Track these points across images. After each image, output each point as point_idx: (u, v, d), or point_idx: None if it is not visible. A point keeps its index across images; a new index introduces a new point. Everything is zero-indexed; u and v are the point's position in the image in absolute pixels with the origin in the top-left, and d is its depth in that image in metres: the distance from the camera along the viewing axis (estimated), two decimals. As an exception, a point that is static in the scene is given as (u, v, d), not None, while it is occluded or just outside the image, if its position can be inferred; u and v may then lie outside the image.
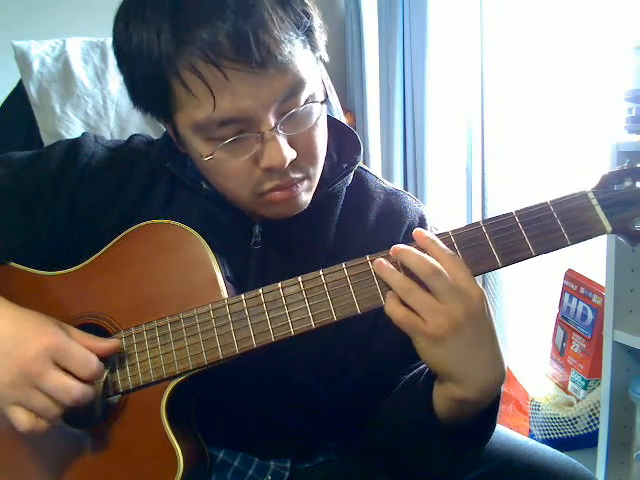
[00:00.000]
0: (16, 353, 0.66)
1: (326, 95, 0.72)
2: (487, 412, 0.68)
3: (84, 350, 0.68)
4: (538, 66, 1.73)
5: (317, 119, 0.71)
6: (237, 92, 0.65)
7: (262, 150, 0.68)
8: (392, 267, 0.64)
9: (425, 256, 0.63)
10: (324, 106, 0.72)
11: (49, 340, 0.67)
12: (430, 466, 0.72)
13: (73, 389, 0.66)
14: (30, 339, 0.67)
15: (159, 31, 0.65)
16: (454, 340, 0.61)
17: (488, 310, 0.64)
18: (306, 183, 0.73)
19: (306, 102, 0.69)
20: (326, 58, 0.73)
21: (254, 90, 0.65)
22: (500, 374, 0.65)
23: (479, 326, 0.63)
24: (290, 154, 0.68)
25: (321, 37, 0.71)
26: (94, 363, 0.68)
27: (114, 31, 0.71)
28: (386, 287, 0.65)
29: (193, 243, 0.73)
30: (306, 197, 0.75)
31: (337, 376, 0.79)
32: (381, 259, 0.65)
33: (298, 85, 0.68)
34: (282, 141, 0.68)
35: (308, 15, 0.68)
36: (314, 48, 0.70)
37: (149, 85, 0.68)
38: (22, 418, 0.66)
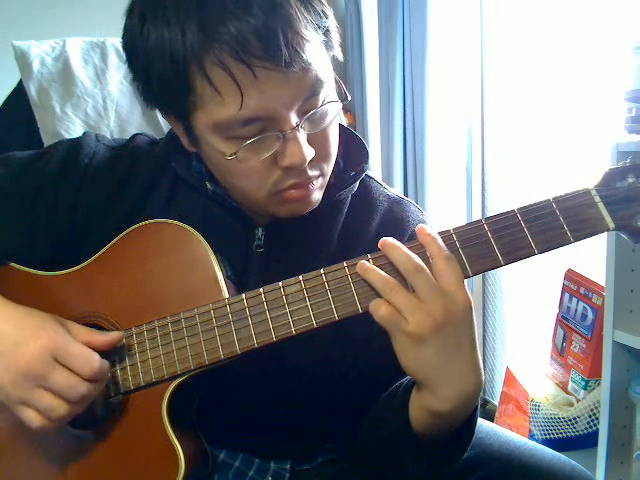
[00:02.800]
0: (16, 353, 0.66)
1: (345, 95, 0.73)
2: (464, 426, 0.68)
3: (85, 349, 0.68)
4: (538, 66, 1.73)
5: (333, 118, 0.71)
6: (264, 91, 0.65)
7: (283, 149, 0.68)
8: (374, 267, 0.64)
9: (410, 253, 0.63)
10: (339, 105, 0.72)
11: (49, 340, 0.67)
12: (407, 475, 0.72)
13: (80, 386, 0.66)
14: (30, 339, 0.67)
15: (184, 28, 0.64)
16: (433, 340, 0.61)
17: (472, 320, 0.64)
18: (320, 180, 0.74)
19: (323, 102, 0.69)
20: (340, 57, 0.73)
21: (280, 89, 0.65)
22: (477, 385, 0.64)
23: (460, 331, 0.62)
24: (310, 153, 0.69)
25: (336, 37, 0.71)
26: (96, 361, 0.68)
27: (126, 29, 0.70)
28: None
29: (194, 243, 0.73)
30: (318, 195, 0.75)
31: (336, 378, 0.79)
32: (364, 261, 0.65)
33: (318, 84, 0.68)
34: (303, 140, 0.68)
35: (327, 15, 0.68)
36: (330, 47, 0.71)
37: (168, 84, 0.67)
38: (32, 416, 0.66)
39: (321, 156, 0.72)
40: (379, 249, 0.65)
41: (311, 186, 0.73)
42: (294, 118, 0.67)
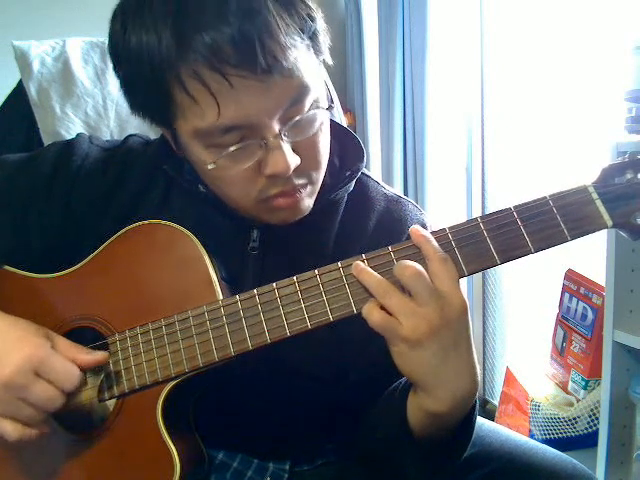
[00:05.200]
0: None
1: (331, 101, 0.71)
2: (463, 425, 0.68)
3: (66, 362, 0.68)
4: (538, 66, 1.73)
5: (321, 125, 0.70)
6: (242, 100, 0.63)
7: (266, 157, 0.67)
8: (369, 269, 0.63)
9: (405, 261, 0.62)
10: (328, 112, 0.71)
11: (32, 352, 0.66)
12: (406, 476, 0.71)
13: (57, 400, 0.67)
14: (13, 351, 0.66)
15: (160, 35, 0.62)
16: (429, 343, 0.61)
17: (467, 321, 0.63)
18: (309, 188, 0.73)
19: (310, 108, 0.68)
20: (329, 61, 0.72)
21: (259, 97, 0.63)
22: (473, 385, 0.64)
23: (456, 333, 0.62)
24: (294, 161, 0.67)
25: (325, 40, 0.69)
26: (76, 376, 0.68)
27: (110, 33, 0.69)
28: None
29: (188, 243, 0.72)
30: (309, 202, 0.74)
31: (335, 379, 0.78)
32: (358, 262, 0.64)
33: (303, 91, 0.66)
34: (286, 148, 0.66)
35: (312, 19, 0.66)
36: (318, 52, 0.69)
37: (149, 91, 0.67)
38: (8, 429, 0.66)
39: (309, 164, 0.70)
40: (376, 248, 0.65)
41: (298, 194, 0.71)
42: (276, 126, 0.66)
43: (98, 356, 0.71)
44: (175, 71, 0.63)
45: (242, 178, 0.69)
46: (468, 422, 0.69)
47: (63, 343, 0.70)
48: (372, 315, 0.62)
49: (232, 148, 0.66)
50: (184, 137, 0.69)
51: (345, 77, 2.61)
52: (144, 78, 0.66)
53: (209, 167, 0.68)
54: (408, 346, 0.61)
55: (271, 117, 0.65)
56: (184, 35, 0.62)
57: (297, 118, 0.67)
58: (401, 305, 0.61)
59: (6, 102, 1.45)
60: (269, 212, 0.73)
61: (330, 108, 0.71)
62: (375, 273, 0.63)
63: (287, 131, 0.67)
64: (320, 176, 0.74)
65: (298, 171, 0.69)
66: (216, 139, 0.66)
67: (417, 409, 0.67)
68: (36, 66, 1.46)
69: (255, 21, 0.61)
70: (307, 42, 0.66)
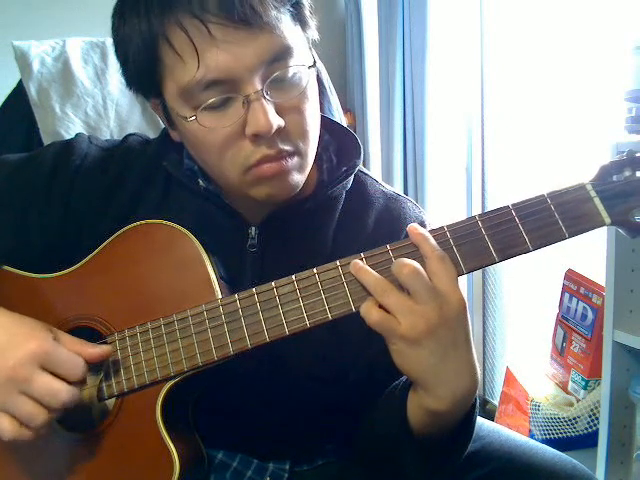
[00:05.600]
0: (3, 359, 0.66)
1: (314, 62, 0.72)
2: (463, 424, 0.68)
3: (71, 354, 0.68)
4: (538, 66, 1.73)
5: (306, 87, 0.70)
6: (222, 50, 0.65)
7: (248, 115, 0.67)
8: (367, 268, 0.63)
9: (403, 259, 0.62)
10: (313, 73, 0.71)
11: (36, 345, 0.66)
12: (406, 475, 0.71)
13: (61, 392, 0.66)
14: (18, 345, 0.66)
15: (148, 9, 0.67)
16: (427, 342, 0.61)
17: (466, 319, 0.63)
18: (296, 160, 0.72)
19: (295, 73, 0.69)
20: (316, 37, 0.73)
21: (238, 49, 0.65)
22: (472, 384, 0.64)
23: (454, 332, 0.62)
24: (276, 120, 0.67)
25: (311, 16, 0.72)
26: (81, 367, 0.67)
27: (112, 27, 0.73)
28: None
29: (186, 243, 0.72)
30: (297, 177, 0.73)
31: (335, 379, 0.78)
32: (356, 260, 0.64)
33: (285, 51, 0.68)
34: (268, 106, 0.67)
35: None
36: (304, 25, 0.71)
37: (140, 59, 0.70)
38: (5, 426, 0.66)
39: (294, 130, 0.70)
40: (375, 246, 0.65)
41: (284, 162, 0.70)
42: (257, 82, 0.67)
43: (103, 349, 0.70)
44: (162, 28, 0.66)
45: (226, 141, 0.69)
46: (468, 421, 0.69)
47: (67, 338, 0.70)
48: (370, 314, 0.62)
49: (212, 99, 0.67)
50: (171, 103, 0.71)
51: (345, 77, 2.61)
52: (135, 52, 0.69)
53: (189, 119, 0.68)
54: (406, 344, 0.61)
55: (251, 72, 0.66)
56: None
57: (277, 74, 0.67)
58: (399, 303, 0.61)
59: (6, 102, 1.45)
60: (255, 184, 0.72)
61: (313, 66, 0.71)
62: (373, 271, 0.63)
63: (269, 90, 0.67)
64: (308, 148, 0.73)
65: (283, 135, 0.69)
66: (198, 96, 0.67)
67: (417, 408, 0.67)
68: (36, 66, 1.46)
69: None
70: (289, 9, 0.68)
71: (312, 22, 0.72)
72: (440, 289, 0.61)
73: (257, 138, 0.68)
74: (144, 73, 0.71)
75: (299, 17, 0.70)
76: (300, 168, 0.73)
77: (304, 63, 0.70)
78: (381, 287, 0.62)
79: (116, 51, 0.74)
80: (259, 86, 0.67)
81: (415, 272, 0.61)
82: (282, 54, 0.67)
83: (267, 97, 0.67)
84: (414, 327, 0.60)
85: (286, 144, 0.70)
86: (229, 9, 0.64)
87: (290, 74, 0.69)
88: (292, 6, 0.68)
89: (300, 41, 0.70)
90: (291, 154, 0.71)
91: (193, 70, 0.66)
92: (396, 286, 0.62)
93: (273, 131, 0.67)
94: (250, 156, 0.69)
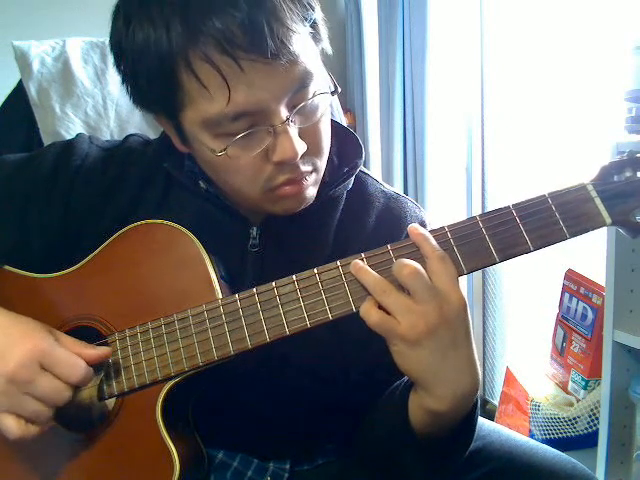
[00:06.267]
0: (2, 360, 0.66)
1: (335, 87, 0.72)
2: (463, 423, 0.68)
3: (71, 355, 0.68)
4: (538, 66, 1.73)
5: (324, 111, 0.71)
6: (252, 84, 0.64)
7: (274, 143, 0.67)
8: (367, 268, 0.63)
9: (403, 260, 0.62)
10: (330, 97, 0.72)
11: (35, 346, 0.66)
12: (408, 475, 0.72)
13: (64, 392, 0.66)
14: (17, 346, 0.66)
15: (168, 25, 0.63)
16: (427, 342, 0.61)
17: (467, 319, 0.63)
18: (314, 176, 0.73)
19: (314, 94, 0.69)
20: (329, 50, 0.73)
21: (268, 82, 0.64)
22: (474, 384, 0.64)
23: (455, 332, 0.62)
24: (301, 147, 0.68)
25: (324, 30, 0.71)
26: (82, 367, 0.67)
27: (113, 30, 0.70)
28: None
29: (187, 243, 0.72)
30: (312, 191, 0.74)
31: (335, 378, 0.78)
32: (357, 260, 0.64)
33: (307, 77, 0.67)
34: (294, 134, 0.67)
35: (312, 7, 0.68)
36: (318, 40, 0.70)
37: (156, 82, 0.67)
38: (11, 425, 0.66)
39: (313, 151, 0.71)
40: (376, 246, 0.65)
41: (304, 182, 0.72)
42: (284, 112, 0.67)
43: (102, 351, 0.70)
44: (185, 58, 0.64)
45: (250, 167, 0.69)
46: (469, 421, 0.69)
47: (67, 339, 0.70)
48: (369, 315, 0.62)
49: (241, 135, 0.66)
50: (190, 127, 0.69)
51: (345, 77, 2.61)
52: (151, 70, 0.66)
53: (218, 154, 0.68)
54: (406, 345, 0.61)
55: (279, 103, 0.66)
56: (194, 21, 0.63)
57: (303, 104, 0.68)
58: (399, 304, 0.61)
59: (6, 102, 1.45)
60: (274, 202, 0.73)
61: (335, 92, 0.72)
62: (373, 272, 0.63)
63: (293, 117, 0.67)
64: (323, 164, 0.74)
65: (304, 158, 0.70)
66: (225, 127, 0.67)
67: (418, 407, 0.67)
68: (36, 66, 1.46)
69: (263, 6, 0.63)
70: (309, 29, 0.67)
71: (325, 35, 0.71)
72: (440, 289, 0.61)
73: (282, 164, 0.69)
74: (160, 97, 0.69)
75: (315, 35, 0.69)
76: (315, 183, 0.74)
77: (324, 89, 0.70)
78: (380, 287, 0.62)
79: (120, 63, 0.71)
80: (285, 115, 0.67)
81: (415, 272, 0.61)
82: (305, 81, 0.68)
83: (292, 125, 0.67)
84: (414, 327, 0.60)
85: (307, 165, 0.71)
86: (261, 45, 0.62)
87: (311, 100, 0.69)
88: (311, 27, 0.68)
89: (317, 61, 0.70)
90: (310, 173, 0.72)
91: (222, 104, 0.65)
92: (396, 286, 0.62)
93: (299, 158, 0.68)
94: (273, 179, 0.70)
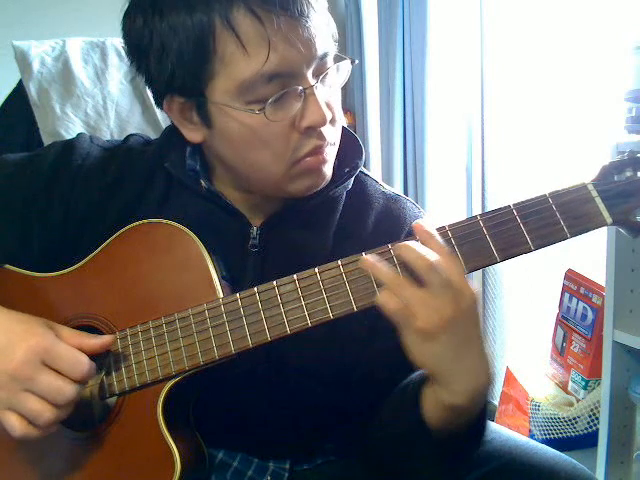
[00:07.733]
0: (4, 358, 0.66)
1: (352, 60, 0.75)
2: (477, 419, 0.68)
3: (73, 350, 0.68)
4: (538, 66, 1.73)
5: (341, 84, 0.74)
6: (288, 42, 0.67)
7: (303, 108, 0.70)
8: (379, 263, 0.63)
9: (422, 251, 0.62)
10: (349, 68, 0.75)
11: (37, 342, 0.66)
12: (421, 473, 0.71)
13: (66, 389, 0.66)
14: (18, 343, 0.66)
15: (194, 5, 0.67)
16: (443, 336, 0.61)
17: (478, 313, 0.63)
18: (333, 150, 0.75)
19: (336, 61, 0.73)
20: (336, 37, 0.76)
21: (299, 43, 0.67)
22: (488, 376, 0.64)
23: (469, 325, 0.62)
24: (328, 112, 0.71)
25: (331, 18, 0.75)
26: (84, 363, 0.67)
27: (128, 30, 0.72)
28: None
29: (188, 242, 0.72)
30: (329, 169, 0.76)
31: (336, 378, 0.78)
32: (368, 256, 0.64)
33: (329, 47, 0.71)
34: (322, 99, 0.70)
35: None
36: (330, 23, 0.73)
37: (187, 55, 0.69)
38: (14, 423, 0.66)
39: (332, 121, 0.73)
40: (375, 246, 0.65)
41: (325, 154, 0.73)
42: (312, 77, 0.70)
43: (104, 339, 0.70)
44: (226, 15, 0.67)
45: (279, 135, 0.71)
46: (482, 417, 0.68)
47: (67, 332, 0.70)
48: (389, 303, 0.61)
49: (274, 97, 0.68)
50: (221, 98, 0.70)
51: (345, 77, 2.61)
52: (183, 45, 0.68)
53: (257, 112, 0.69)
54: (421, 338, 0.61)
55: (308, 66, 0.70)
56: None
57: (326, 72, 0.71)
58: (415, 297, 0.61)
59: (6, 102, 1.46)
60: (296, 178, 0.74)
61: (353, 62, 0.75)
62: (386, 266, 0.63)
63: (318, 84, 0.70)
64: (338, 137, 0.77)
65: (328, 126, 0.72)
66: (258, 91, 0.68)
67: (434, 402, 0.66)
68: (36, 66, 1.46)
69: None
70: (327, 5, 0.72)
71: (332, 22, 0.75)
72: (454, 283, 0.61)
73: (309, 130, 0.71)
74: (189, 69, 0.70)
75: (329, 17, 0.73)
76: (332, 159, 0.76)
77: (346, 57, 0.74)
78: (396, 281, 0.62)
79: (140, 57, 0.72)
80: (313, 80, 0.70)
81: (434, 265, 0.60)
82: (327, 50, 0.71)
83: (319, 90, 0.70)
84: (429, 320, 0.60)
85: (330, 135, 0.73)
86: (295, 4, 0.66)
87: (333, 70, 0.72)
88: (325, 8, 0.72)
89: (332, 40, 0.73)
90: (331, 144, 0.74)
91: (259, 62, 0.67)
92: (409, 280, 0.62)
93: (327, 123, 0.70)
94: (299, 148, 0.72)
